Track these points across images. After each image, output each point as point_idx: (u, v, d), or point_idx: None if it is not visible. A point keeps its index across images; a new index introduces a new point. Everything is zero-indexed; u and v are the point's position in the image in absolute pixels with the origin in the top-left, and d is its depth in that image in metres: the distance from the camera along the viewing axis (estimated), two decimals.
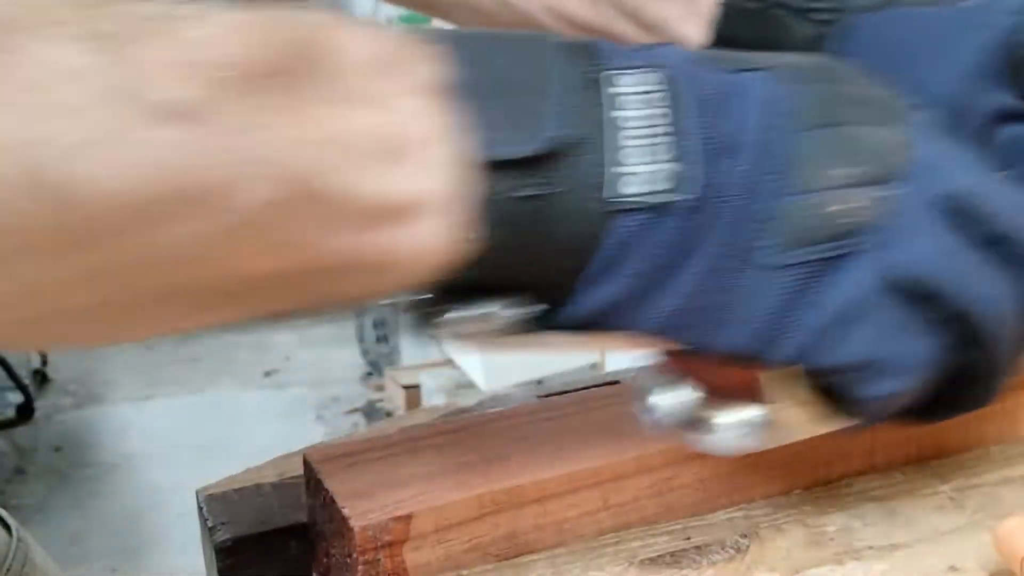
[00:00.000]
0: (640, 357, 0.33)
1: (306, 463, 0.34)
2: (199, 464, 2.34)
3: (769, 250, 0.27)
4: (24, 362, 2.80)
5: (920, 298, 0.28)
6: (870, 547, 0.33)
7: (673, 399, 0.31)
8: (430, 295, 0.26)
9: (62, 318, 0.22)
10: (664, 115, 0.26)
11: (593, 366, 1.74)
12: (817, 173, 0.27)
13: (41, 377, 2.96)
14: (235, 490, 0.37)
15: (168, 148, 0.20)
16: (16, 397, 2.71)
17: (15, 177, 0.19)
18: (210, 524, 0.35)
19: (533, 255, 0.26)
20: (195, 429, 2.62)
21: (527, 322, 0.27)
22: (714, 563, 0.33)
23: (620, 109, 0.25)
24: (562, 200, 0.25)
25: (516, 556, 0.33)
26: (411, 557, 0.31)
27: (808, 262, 0.27)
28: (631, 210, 0.26)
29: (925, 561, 0.33)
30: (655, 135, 0.26)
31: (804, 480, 0.37)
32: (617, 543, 0.34)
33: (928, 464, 0.39)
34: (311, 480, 0.34)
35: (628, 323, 0.28)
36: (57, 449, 2.58)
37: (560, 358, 1.71)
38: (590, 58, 0.26)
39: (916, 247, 0.28)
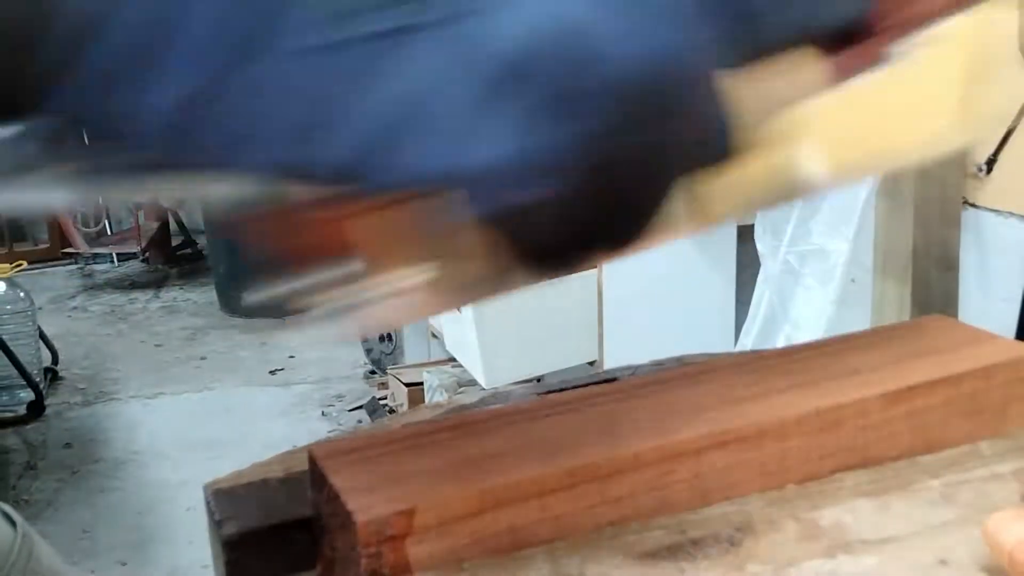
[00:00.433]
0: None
1: (311, 459, 0.35)
2: (206, 460, 2.36)
3: (298, 30, 0.21)
4: (35, 360, 2.81)
5: (538, 75, 0.22)
6: (862, 541, 0.34)
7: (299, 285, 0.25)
8: None
9: None
10: None
11: (591, 364, 1.75)
12: None
13: (52, 375, 2.98)
14: (242, 485, 0.38)
15: None
16: (27, 394, 2.73)
17: None
18: (217, 518, 0.36)
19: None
20: (202, 426, 2.63)
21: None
22: (709, 556, 0.33)
23: None
24: None
25: (516, 549, 0.34)
26: (413, 551, 0.32)
27: (356, 40, 0.21)
28: None
29: (916, 555, 0.33)
30: None
31: (797, 475, 0.38)
32: (614, 537, 0.35)
33: (919, 460, 0.40)
34: (316, 475, 0.35)
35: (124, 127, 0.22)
36: (67, 445, 2.59)
37: (560, 357, 1.72)
38: None
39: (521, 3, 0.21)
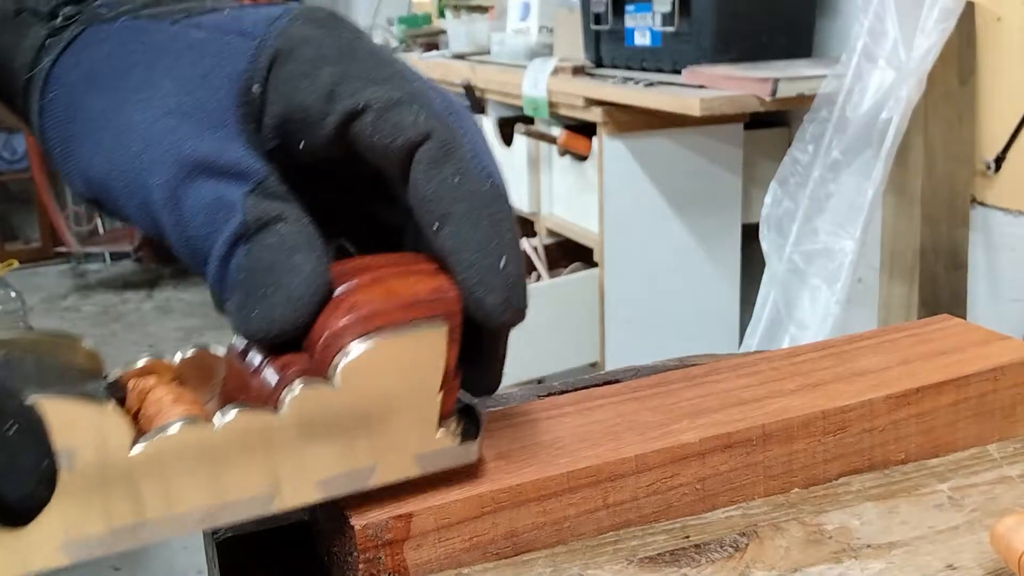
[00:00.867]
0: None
1: None
2: None
3: None
4: None
5: None
6: (868, 546, 0.34)
7: None
8: None
9: None
10: None
11: (593, 365, 1.74)
12: None
13: None
14: None
15: None
16: None
17: None
18: None
19: None
20: None
21: None
22: (713, 561, 0.33)
23: None
24: None
25: (516, 555, 0.33)
26: (412, 555, 0.32)
27: None
28: None
29: (923, 560, 0.33)
30: None
31: (803, 478, 0.37)
32: (616, 542, 0.34)
33: (926, 463, 0.39)
34: None
35: None
36: None
37: (561, 358, 1.71)
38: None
39: None
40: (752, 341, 1.47)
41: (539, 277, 1.82)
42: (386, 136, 0.30)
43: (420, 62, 2.36)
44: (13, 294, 2.78)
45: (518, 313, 0.31)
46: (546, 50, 1.99)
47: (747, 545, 0.34)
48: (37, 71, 0.33)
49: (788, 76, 1.39)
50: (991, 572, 0.32)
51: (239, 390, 0.30)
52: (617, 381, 0.42)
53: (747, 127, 1.69)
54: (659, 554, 0.33)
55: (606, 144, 1.61)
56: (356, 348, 0.29)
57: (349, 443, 0.30)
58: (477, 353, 0.33)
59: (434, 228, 0.31)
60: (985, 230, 1.38)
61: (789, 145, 1.46)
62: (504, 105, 2.01)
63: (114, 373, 0.31)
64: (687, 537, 0.34)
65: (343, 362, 0.29)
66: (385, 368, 0.30)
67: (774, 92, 1.36)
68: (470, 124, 0.32)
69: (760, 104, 1.38)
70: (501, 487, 0.33)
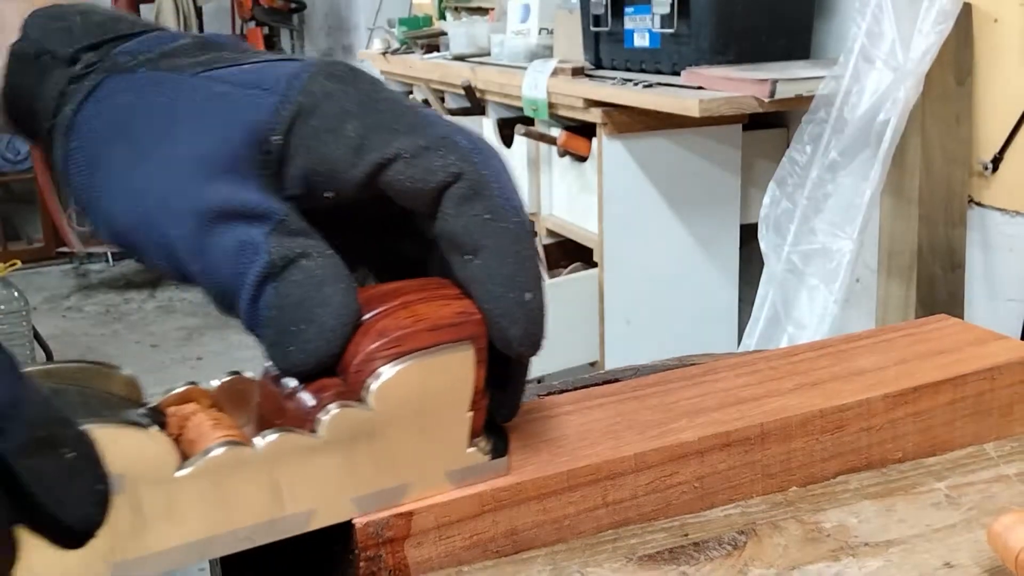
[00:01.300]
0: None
1: None
2: None
3: None
4: (29, 361, 2.81)
5: None
6: (866, 544, 0.34)
7: None
8: None
9: None
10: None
11: (592, 364, 1.74)
12: None
13: None
14: None
15: None
16: None
17: None
18: None
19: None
20: None
21: None
22: (711, 559, 0.33)
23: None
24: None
25: (516, 552, 0.34)
26: (412, 553, 0.32)
27: None
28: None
29: (921, 558, 0.33)
30: None
31: (801, 477, 0.38)
32: (616, 540, 0.34)
33: (923, 462, 0.39)
34: None
35: None
36: None
37: (561, 358, 1.71)
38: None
39: None
40: (750, 341, 1.48)
41: None
42: (417, 181, 0.31)
43: (421, 63, 2.36)
44: (16, 294, 2.78)
45: (536, 346, 0.33)
46: (546, 51, 1.99)
47: (745, 543, 0.34)
48: (60, 118, 0.34)
49: (786, 77, 1.39)
50: (988, 570, 0.32)
51: (275, 413, 0.31)
52: (617, 380, 0.42)
53: (746, 128, 1.69)
54: (658, 552, 0.33)
55: (605, 145, 1.61)
56: (388, 371, 0.30)
57: (383, 462, 0.31)
58: (500, 378, 0.34)
59: (463, 260, 0.32)
60: (982, 230, 1.38)
61: (787, 146, 1.46)
62: (504, 106, 2.02)
63: (154, 400, 0.32)
64: (686, 535, 0.34)
65: (375, 385, 0.30)
66: (416, 389, 0.31)
67: (772, 93, 1.36)
68: (496, 163, 0.33)
69: (758, 105, 1.38)
70: (501, 485, 0.33)
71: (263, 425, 0.31)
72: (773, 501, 0.37)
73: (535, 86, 1.73)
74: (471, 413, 0.32)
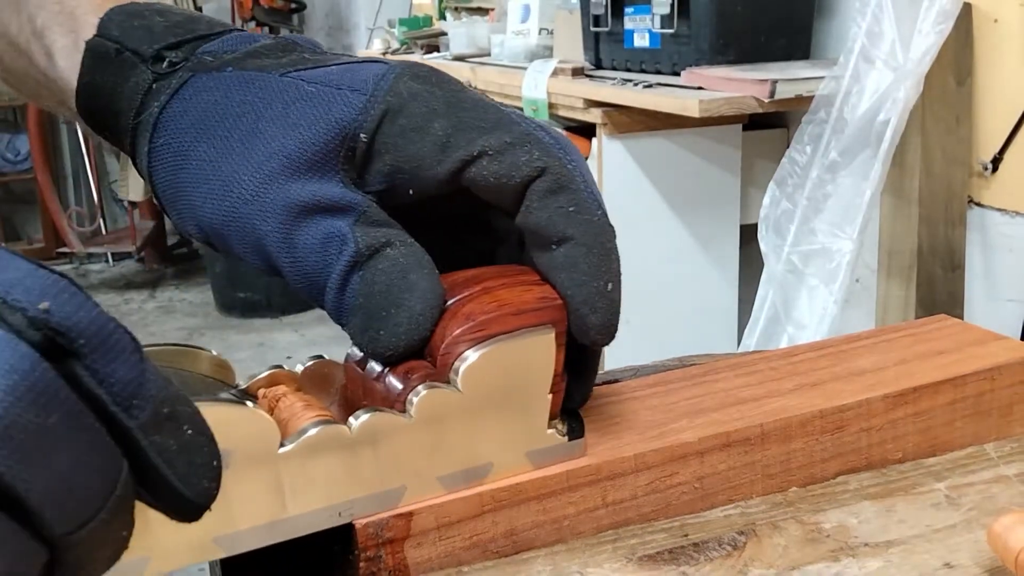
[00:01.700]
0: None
1: None
2: None
3: None
4: None
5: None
6: (866, 544, 0.34)
7: None
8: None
9: None
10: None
11: None
12: None
13: None
14: None
15: None
16: None
17: None
18: None
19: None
20: None
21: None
22: (711, 560, 0.33)
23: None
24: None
25: (516, 553, 0.34)
26: (412, 554, 0.32)
27: None
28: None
29: (920, 558, 0.33)
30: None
31: (801, 477, 0.38)
32: (615, 540, 0.34)
33: (923, 462, 0.39)
34: None
35: None
36: None
37: None
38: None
39: None
40: (750, 341, 1.48)
41: None
42: (502, 176, 0.32)
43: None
44: None
45: (611, 336, 0.34)
46: (546, 52, 2.00)
47: (745, 544, 0.34)
48: (146, 115, 0.35)
49: (786, 77, 1.39)
50: (988, 570, 0.32)
51: (361, 395, 0.33)
52: (617, 380, 0.42)
53: (746, 128, 1.69)
54: (658, 552, 0.33)
55: (605, 145, 1.61)
56: (473, 354, 0.31)
57: (468, 442, 0.32)
58: (575, 364, 0.35)
59: (547, 249, 0.33)
60: (982, 230, 1.38)
61: (787, 146, 1.46)
62: (504, 106, 2.02)
63: (244, 382, 0.33)
64: (686, 535, 0.34)
65: (462, 367, 0.31)
66: (500, 372, 0.32)
67: (772, 93, 1.36)
68: (578, 157, 0.34)
69: (759, 105, 1.38)
70: (501, 486, 0.33)
71: (348, 407, 0.33)
72: (773, 501, 0.37)
73: (535, 86, 1.73)
74: (551, 395, 0.33)
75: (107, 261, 4.09)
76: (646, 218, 1.67)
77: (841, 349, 0.44)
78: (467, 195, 0.34)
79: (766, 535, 0.34)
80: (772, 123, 1.74)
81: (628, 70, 1.72)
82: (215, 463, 0.26)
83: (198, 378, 0.32)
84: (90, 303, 0.23)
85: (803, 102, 1.40)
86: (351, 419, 0.30)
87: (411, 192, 0.33)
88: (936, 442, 0.40)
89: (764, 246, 1.46)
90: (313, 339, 3.02)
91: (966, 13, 1.32)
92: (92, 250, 3.93)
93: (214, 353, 0.33)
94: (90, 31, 0.36)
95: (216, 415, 0.26)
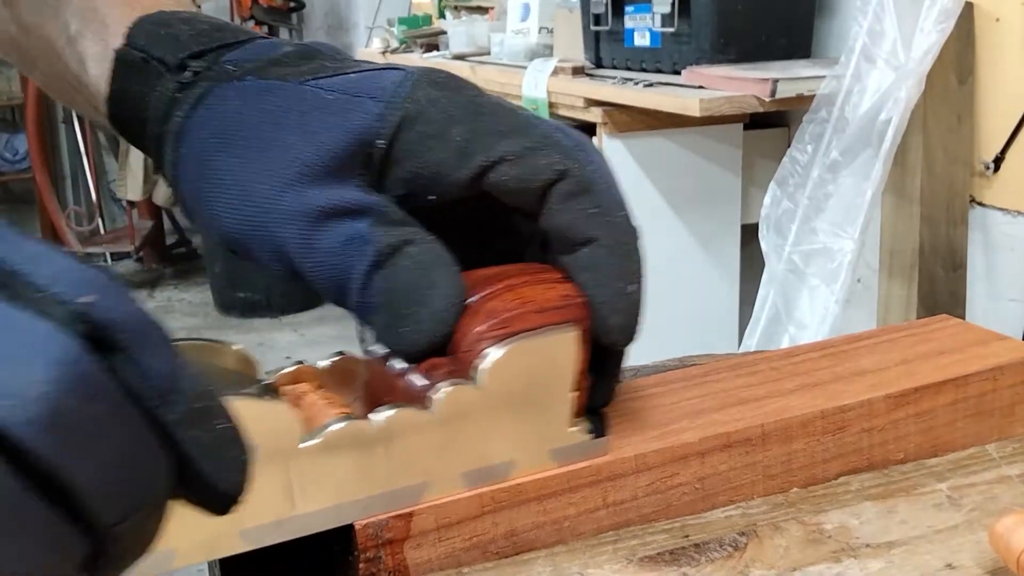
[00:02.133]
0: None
1: None
2: None
3: None
4: None
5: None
6: (867, 545, 0.34)
7: None
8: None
9: None
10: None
11: None
12: None
13: None
14: None
15: None
16: None
17: None
18: None
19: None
20: None
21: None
22: (712, 561, 0.33)
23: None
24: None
25: (516, 554, 0.33)
26: (412, 555, 0.32)
27: None
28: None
29: (922, 559, 0.33)
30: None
31: (802, 478, 0.37)
32: (616, 541, 0.34)
33: (925, 463, 0.39)
34: None
35: None
36: None
37: None
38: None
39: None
40: (751, 341, 1.47)
41: None
42: (523, 180, 0.33)
43: (421, 63, 2.36)
44: None
45: (631, 337, 0.34)
46: (546, 51, 1.99)
47: (746, 544, 0.34)
48: (170, 125, 0.35)
49: (787, 77, 1.39)
50: (990, 571, 0.32)
51: (384, 392, 0.33)
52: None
53: (746, 127, 1.69)
54: (659, 553, 0.33)
55: (606, 144, 1.61)
56: (497, 351, 0.31)
57: (491, 439, 0.32)
58: (599, 363, 0.35)
59: (571, 250, 0.33)
60: (984, 230, 1.38)
61: (788, 145, 1.46)
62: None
63: (268, 378, 0.34)
64: (687, 536, 0.34)
65: (485, 364, 0.31)
66: (523, 369, 0.32)
67: (773, 93, 1.36)
68: (599, 159, 0.34)
69: (759, 104, 1.38)
70: (501, 486, 0.33)
71: (371, 403, 0.33)
72: (774, 502, 0.37)
73: (535, 85, 1.73)
74: (574, 393, 0.33)
75: (106, 261, 4.09)
76: (647, 218, 1.66)
77: (842, 349, 0.43)
78: (489, 198, 0.34)
79: (767, 536, 0.34)
80: (773, 122, 1.74)
81: (628, 69, 1.71)
82: (244, 457, 0.26)
83: (221, 372, 0.32)
84: (130, 297, 0.23)
85: (804, 101, 1.39)
86: (373, 414, 0.30)
87: (431, 197, 0.34)
88: (938, 442, 0.39)
89: (765, 246, 1.45)
90: (313, 339, 3.02)
91: (968, 12, 1.32)
92: (90, 250, 3.93)
93: (239, 347, 0.33)
94: (120, 39, 0.37)
95: (244, 409, 0.27)
